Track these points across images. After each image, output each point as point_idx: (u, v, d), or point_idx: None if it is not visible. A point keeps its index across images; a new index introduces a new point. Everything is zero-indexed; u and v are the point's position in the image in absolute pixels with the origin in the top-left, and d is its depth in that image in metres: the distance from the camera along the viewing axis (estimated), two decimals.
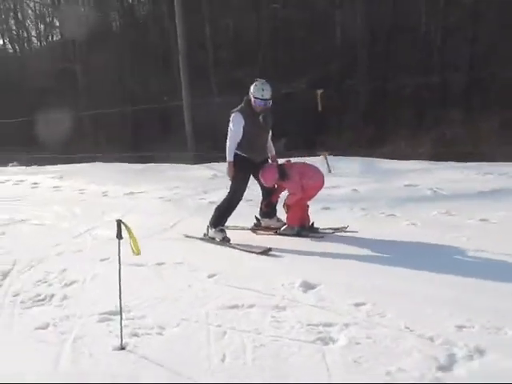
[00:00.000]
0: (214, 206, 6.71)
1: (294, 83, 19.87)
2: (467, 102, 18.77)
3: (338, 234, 6.57)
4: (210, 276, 4.97)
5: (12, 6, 34.03)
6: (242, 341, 3.56)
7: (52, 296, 4.67)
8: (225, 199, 6.53)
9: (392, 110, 19.12)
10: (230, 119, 6.30)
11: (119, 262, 3.66)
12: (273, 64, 22.77)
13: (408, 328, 3.61)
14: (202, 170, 13.50)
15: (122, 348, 3.54)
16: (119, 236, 3.57)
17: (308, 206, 6.68)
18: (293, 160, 6.93)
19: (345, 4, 21.44)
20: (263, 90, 6.12)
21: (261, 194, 6.89)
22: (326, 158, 11.38)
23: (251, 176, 6.53)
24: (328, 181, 10.32)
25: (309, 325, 3.74)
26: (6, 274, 5.43)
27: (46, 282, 5.11)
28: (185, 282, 4.85)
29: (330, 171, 10.86)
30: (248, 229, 6.99)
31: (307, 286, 4.49)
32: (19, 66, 30.87)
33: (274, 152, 6.83)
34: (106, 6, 30.75)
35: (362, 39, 20.45)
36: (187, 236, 6.82)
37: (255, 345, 3.49)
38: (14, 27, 34.93)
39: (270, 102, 6.21)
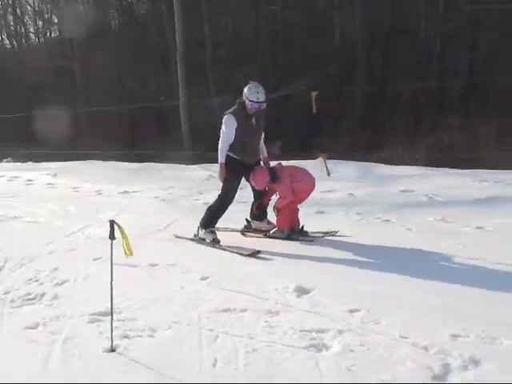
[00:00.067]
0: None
1: (293, 85, 19.83)
2: (465, 107, 18.74)
3: (332, 238, 6.54)
4: (203, 278, 4.92)
5: (11, 1, 33.91)
6: (235, 345, 3.51)
7: (43, 295, 4.62)
8: (216, 200, 6.53)
9: (389, 115, 19.07)
10: (223, 121, 6.29)
11: (111, 263, 3.61)
12: (271, 65, 22.74)
13: (402, 336, 3.56)
14: (198, 170, 13.46)
15: (113, 350, 3.49)
16: (112, 237, 3.52)
17: (298, 210, 6.65)
18: (286, 163, 6.90)
19: (344, 6, 21.41)
20: (258, 92, 6.11)
21: (252, 196, 6.88)
22: (324, 161, 11.34)
23: (243, 178, 6.52)
24: (324, 184, 10.39)
25: (302, 330, 3.69)
26: None
27: (37, 280, 5.07)
28: (177, 283, 4.80)
29: (328, 174, 10.81)
30: (238, 231, 6.97)
31: (301, 291, 4.45)
32: (17, 62, 30.74)
33: (266, 154, 6.82)
34: (105, 4, 30.65)
35: (360, 42, 20.41)
36: (177, 236, 6.80)
37: (247, 350, 3.44)
38: (12, 23, 34.79)
39: (265, 104, 6.19)
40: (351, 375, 3.12)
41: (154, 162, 15.89)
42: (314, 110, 12.52)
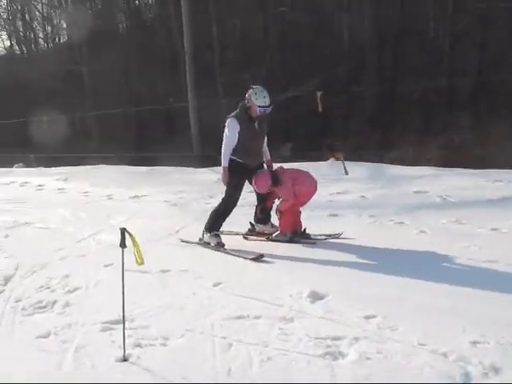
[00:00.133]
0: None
1: (302, 86, 19.76)
2: (475, 106, 18.62)
3: (343, 241, 6.46)
4: (216, 284, 4.86)
5: (19, 7, 34.08)
6: (249, 354, 3.45)
7: (54, 303, 4.57)
8: (220, 204, 6.52)
9: (399, 115, 18.98)
10: (226, 125, 6.27)
11: (123, 272, 3.56)
12: (280, 67, 22.69)
13: (420, 343, 3.48)
14: (208, 173, 13.40)
15: (125, 359, 3.43)
16: (123, 245, 3.47)
17: (300, 212, 6.61)
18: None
19: (352, 7, 21.32)
20: (264, 97, 6.10)
21: (255, 200, 6.87)
22: (342, 160, 11.24)
23: (246, 181, 6.51)
24: (336, 186, 10.37)
25: (317, 338, 3.62)
26: (8, 279, 5.35)
27: (48, 287, 5.02)
28: (189, 290, 4.74)
29: (346, 173, 10.70)
30: (242, 234, 6.94)
31: (315, 297, 4.37)
32: (26, 68, 30.85)
33: (269, 157, 6.81)
34: (113, 8, 30.74)
35: (369, 43, 20.32)
36: (183, 241, 6.79)
37: (262, 358, 3.38)
38: (21, 28, 34.97)
39: (270, 107, 6.17)
40: None
41: (163, 164, 15.88)
42: (320, 110, 12.54)
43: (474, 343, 3.47)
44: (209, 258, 6.00)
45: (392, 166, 12.29)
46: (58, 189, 13.14)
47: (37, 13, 34.18)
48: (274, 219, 6.74)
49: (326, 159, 12.28)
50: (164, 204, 9.94)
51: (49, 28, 34.99)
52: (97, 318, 4.14)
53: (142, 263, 3.43)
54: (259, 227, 6.87)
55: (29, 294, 4.82)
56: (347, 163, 12.10)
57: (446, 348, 3.40)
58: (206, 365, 3.34)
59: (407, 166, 12.10)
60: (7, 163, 19.70)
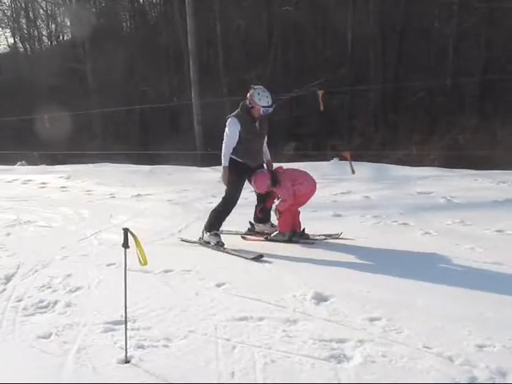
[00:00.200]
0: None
1: (306, 86, 19.71)
2: (480, 106, 18.56)
3: (347, 242, 6.41)
4: (219, 285, 4.81)
5: (23, 5, 34.09)
6: (252, 356, 3.40)
7: (56, 303, 4.52)
8: (220, 203, 6.52)
9: (404, 115, 18.93)
10: (226, 124, 6.27)
11: (125, 273, 3.52)
12: (284, 66, 22.65)
13: (426, 346, 3.44)
14: (211, 172, 13.38)
15: (127, 361, 3.39)
16: (125, 245, 3.43)
17: (299, 212, 6.60)
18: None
19: (357, 7, 21.24)
20: (267, 97, 6.12)
21: (255, 200, 6.87)
22: (349, 160, 11.18)
23: (246, 181, 6.52)
24: (339, 186, 10.33)
25: (321, 340, 3.57)
26: (9, 278, 5.31)
27: (50, 287, 4.98)
28: (192, 290, 4.69)
29: (353, 173, 10.65)
30: (242, 234, 6.95)
31: (319, 298, 4.32)
32: (30, 65, 30.88)
33: (269, 157, 6.81)
34: (117, 7, 30.74)
35: (373, 42, 20.26)
36: (183, 240, 6.77)
37: (266, 361, 3.33)
38: (25, 26, 34.97)
39: (273, 107, 6.19)
40: None
41: (166, 162, 15.89)
42: (322, 108, 12.54)
43: (480, 347, 3.42)
44: (212, 258, 5.96)
45: (396, 166, 12.26)
46: (61, 187, 13.13)
47: (41, 10, 34.28)
48: (274, 219, 6.72)
49: (330, 158, 12.22)
50: (167, 203, 9.92)
51: (53, 26, 35.10)
52: (98, 318, 4.10)
53: (145, 264, 3.39)
54: (259, 227, 6.88)
55: (30, 294, 4.78)
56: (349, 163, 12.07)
57: (452, 351, 3.35)
58: (210, 367, 3.29)
59: (411, 166, 12.06)
60: (10, 161, 19.69)
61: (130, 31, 31.00)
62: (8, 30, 36.29)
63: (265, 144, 6.67)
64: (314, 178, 6.59)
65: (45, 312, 4.36)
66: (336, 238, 6.54)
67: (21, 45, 35.59)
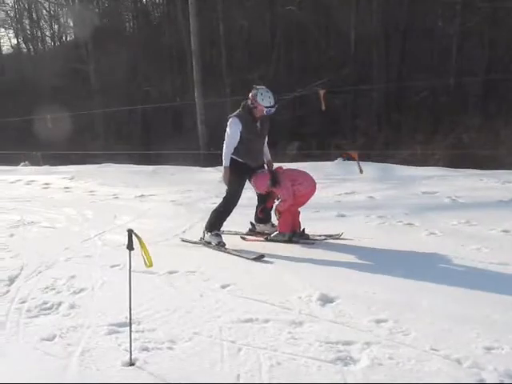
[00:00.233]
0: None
1: (309, 85, 19.68)
2: (484, 106, 18.50)
3: (351, 243, 6.37)
4: (223, 286, 4.78)
5: (27, 5, 34.13)
6: (258, 358, 3.37)
7: (59, 304, 4.49)
8: (221, 204, 6.53)
9: (407, 114, 18.88)
10: (227, 124, 6.26)
11: (129, 275, 3.48)
12: (287, 66, 22.62)
13: (433, 348, 3.40)
14: (214, 173, 13.34)
15: (132, 364, 3.36)
16: (130, 247, 3.40)
17: (299, 212, 6.59)
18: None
19: (360, 6, 21.20)
20: (269, 97, 6.12)
21: (256, 200, 6.88)
22: (357, 159, 11.11)
23: (247, 181, 6.52)
24: (343, 187, 10.30)
25: (328, 342, 3.54)
26: (13, 280, 5.28)
27: (53, 288, 4.94)
28: (197, 292, 4.66)
29: (361, 172, 10.60)
30: (243, 234, 6.94)
31: (325, 300, 4.29)
32: (33, 66, 30.89)
33: (270, 157, 6.80)
34: (120, 7, 30.75)
35: (376, 41, 20.21)
36: (184, 240, 6.77)
37: (271, 363, 3.30)
38: (28, 27, 35.02)
39: (275, 107, 6.20)
40: None
41: (169, 162, 15.88)
42: (323, 108, 12.55)
43: (488, 349, 3.39)
44: (216, 259, 5.92)
45: (400, 166, 12.21)
46: (64, 187, 13.11)
47: (44, 11, 34.32)
48: (275, 219, 6.72)
49: (334, 158, 12.19)
50: (170, 204, 9.89)
51: (56, 26, 35.15)
52: (103, 320, 4.07)
53: (150, 266, 3.36)
54: (260, 227, 6.89)
55: (34, 295, 4.75)
56: (355, 163, 12.00)
57: (460, 354, 3.31)
58: (215, 370, 3.26)
59: (415, 166, 12.01)
60: (13, 161, 19.70)
61: (132, 31, 31.01)
62: (11, 31, 36.48)
63: (265, 144, 6.67)
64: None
65: (49, 314, 4.33)
66: (337, 239, 6.53)
67: (24, 45, 35.75)
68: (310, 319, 3.95)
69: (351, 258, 5.65)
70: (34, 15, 34.38)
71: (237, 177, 6.30)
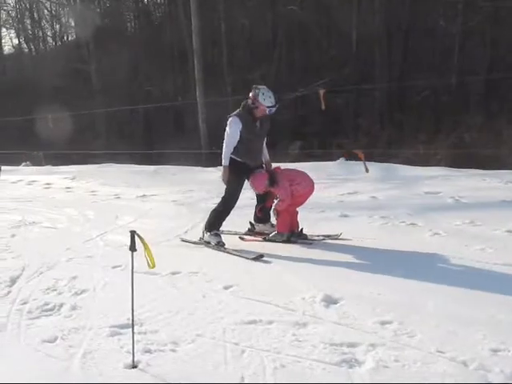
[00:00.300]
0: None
1: (311, 85, 19.65)
2: (485, 105, 18.47)
3: (354, 243, 6.34)
4: (226, 287, 4.74)
5: (28, 5, 34.11)
6: (262, 361, 3.33)
7: (61, 305, 4.45)
8: (220, 203, 6.52)
9: (409, 114, 18.85)
10: (227, 123, 6.26)
11: (132, 276, 3.44)
12: (288, 65, 22.59)
13: (439, 351, 3.36)
14: (215, 172, 13.29)
15: (134, 366, 3.32)
16: (133, 248, 3.36)
17: (297, 212, 6.58)
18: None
19: (362, 5, 21.17)
20: (270, 97, 6.13)
21: (255, 200, 6.88)
22: (363, 159, 11.06)
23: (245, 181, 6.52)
24: (345, 187, 10.26)
25: (332, 344, 3.50)
26: (14, 280, 5.23)
27: (55, 289, 4.90)
28: (200, 293, 4.62)
29: (367, 171, 10.55)
30: (242, 234, 6.94)
31: (329, 301, 4.25)
32: (34, 66, 30.88)
33: (268, 157, 6.79)
34: (122, 7, 30.73)
35: (378, 40, 20.17)
36: (184, 240, 6.75)
37: (275, 366, 3.25)
38: (29, 27, 35.01)
39: (277, 106, 6.22)
40: None
41: (171, 162, 15.87)
42: (323, 107, 12.54)
43: (495, 351, 3.35)
44: (218, 259, 5.89)
45: (402, 166, 12.19)
46: (66, 187, 13.09)
47: (45, 11, 34.31)
48: (274, 219, 6.69)
49: (336, 158, 12.16)
50: (172, 204, 9.87)
51: (57, 26, 35.12)
52: (105, 321, 4.03)
53: (153, 266, 3.32)
54: (259, 227, 6.88)
55: (35, 296, 4.71)
56: (357, 163, 11.98)
57: (466, 356, 3.28)
58: (218, 372, 3.22)
59: (418, 165, 11.98)
60: (15, 161, 19.67)
61: (134, 31, 31.00)
62: (13, 31, 36.45)
63: (264, 144, 6.66)
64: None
65: (50, 315, 4.29)
66: (335, 239, 6.51)
67: (25, 45, 35.73)
68: (314, 320, 3.91)
69: (355, 259, 5.62)
70: (36, 15, 34.39)
71: (236, 176, 6.30)
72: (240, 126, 6.16)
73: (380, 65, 20.26)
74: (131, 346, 3.40)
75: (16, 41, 36.73)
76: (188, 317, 4.09)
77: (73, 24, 33.29)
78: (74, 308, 4.39)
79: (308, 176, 6.49)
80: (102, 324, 3.99)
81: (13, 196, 11.64)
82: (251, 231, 6.93)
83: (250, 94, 6.20)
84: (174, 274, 5.23)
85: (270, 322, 3.90)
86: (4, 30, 36.50)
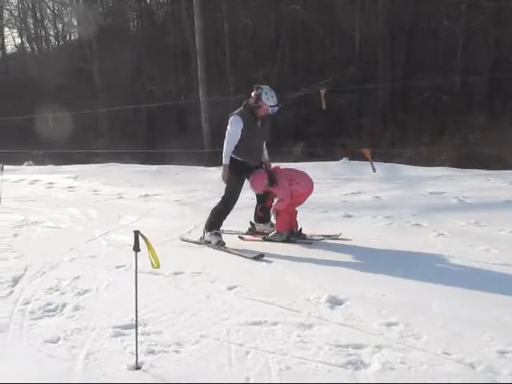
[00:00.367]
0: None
1: (314, 85, 19.61)
2: (489, 105, 18.41)
3: (358, 243, 6.31)
4: (230, 288, 4.71)
5: (30, 5, 34.09)
6: (267, 362, 3.29)
7: (64, 306, 4.42)
8: (220, 202, 6.53)
9: (412, 114, 18.79)
10: (229, 122, 6.27)
11: (136, 277, 3.40)
12: (292, 65, 22.54)
13: (446, 352, 3.32)
14: (218, 172, 13.23)
15: (138, 367, 3.28)
16: (136, 248, 3.32)
17: (297, 212, 6.59)
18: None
19: (365, 5, 21.12)
20: (273, 97, 6.16)
21: (255, 200, 6.90)
22: (369, 158, 10.98)
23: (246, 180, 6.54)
24: (348, 186, 10.23)
25: (338, 346, 3.46)
26: (16, 280, 5.22)
27: (58, 289, 4.87)
28: (203, 293, 4.59)
29: (374, 171, 10.48)
30: (243, 234, 6.94)
31: (334, 302, 4.21)
32: (37, 65, 30.86)
33: (267, 157, 6.81)
34: (124, 6, 30.71)
35: (381, 41, 20.13)
36: (184, 240, 6.75)
37: (281, 367, 3.22)
38: (32, 26, 34.98)
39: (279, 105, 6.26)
40: None
41: (174, 161, 15.85)
42: (324, 107, 12.53)
43: (502, 353, 3.32)
44: (222, 259, 5.86)
45: (406, 166, 12.14)
46: (68, 187, 13.08)
47: (48, 10, 34.27)
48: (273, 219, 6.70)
49: (339, 158, 12.12)
50: (175, 203, 9.85)
51: (60, 26, 35.09)
52: (108, 322, 4.00)
53: (158, 267, 3.29)
54: (259, 226, 6.89)
55: (38, 296, 4.68)
56: (361, 163, 11.97)
57: (473, 358, 3.24)
58: (223, 374, 3.19)
59: (422, 166, 11.94)
60: (17, 161, 19.66)
61: (137, 31, 30.96)
62: (15, 31, 36.39)
63: (264, 144, 6.68)
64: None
65: (53, 315, 4.26)
66: (335, 239, 6.50)
67: (28, 45, 35.66)
68: (320, 322, 3.87)
69: (359, 259, 5.59)
70: (38, 14, 34.33)
71: (236, 175, 6.32)
72: (241, 124, 6.17)
73: (383, 65, 20.20)
74: (135, 347, 3.36)
75: (19, 40, 36.71)
76: (192, 317, 4.05)
77: (75, 23, 33.30)
78: (76, 308, 4.37)
79: (307, 175, 6.50)
80: (104, 325, 3.96)
81: (15, 195, 11.60)
82: (252, 231, 6.93)
83: (252, 94, 6.21)
84: (177, 274, 5.20)
85: (275, 323, 3.86)
86: (7, 29, 36.46)
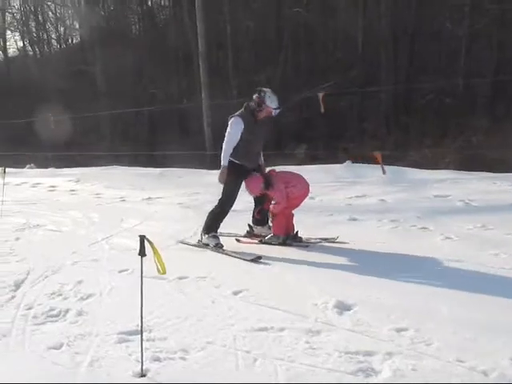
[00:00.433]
0: (236, 214, 6.63)
1: (316, 88, 19.58)
2: (492, 108, 18.37)
3: (364, 247, 6.21)
4: (236, 293, 4.62)
5: (32, 8, 34.13)
6: (275, 369, 3.21)
7: (67, 311, 4.34)
8: (217, 205, 6.51)
9: (415, 117, 18.75)
10: (229, 123, 6.27)
11: (141, 282, 3.33)
12: (294, 68, 22.51)
13: (458, 359, 3.24)
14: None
15: (143, 375, 3.20)
16: (142, 253, 3.25)
17: (293, 215, 6.56)
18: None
19: (368, 8, 21.09)
20: (275, 100, 6.18)
21: (253, 203, 6.88)
22: (380, 161, 10.86)
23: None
24: (353, 190, 10.16)
25: (347, 353, 3.38)
26: (18, 285, 5.13)
27: (60, 294, 4.79)
28: (209, 298, 4.51)
29: (384, 173, 10.38)
30: (241, 236, 6.93)
31: (342, 307, 4.13)
32: (39, 68, 30.86)
33: (263, 161, 6.80)
34: (126, 10, 30.72)
35: (385, 45, 20.09)
36: (182, 242, 6.72)
37: (289, 375, 3.14)
38: (34, 29, 35.00)
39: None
40: None
41: (176, 164, 15.79)
42: (322, 110, 12.47)
43: None
44: (225, 263, 5.79)
45: (410, 169, 12.06)
46: (70, 190, 13.02)
47: (50, 13, 34.28)
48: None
49: (343, 161, 12.06)
50: (178, 206, 9.78)
51: (62, 29, 35.13)
52: (112, 328, 3.92)
53: (164, 273, 3.22)
54: (257, 229, 6.88)
55: (40, 301, 4.60)
56: (364, 165, 11.90)
57: (486, 365, 3.16)
58: (229, 381, 3.11)
59: (426, 169, 11.87)
60: (19, 163, 19.62)
61: (138, 34, 30.97)
62: (17, 34, 36.43)
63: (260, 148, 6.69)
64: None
65: (56, 321, 4.18)
66: (332, 242, 6.46)
67: (30, 48, 35.67)
68: (328, 328, 3.79)
69: (366, 263, 5.51)
70: (40, 17, 34.37)
71: (233, 178, 6.30)
72: (242, 126, 6.16)
73: (386, 68, 20.15)
74: (140, 354, 3.29)
75: (21, 43, 36.78)
76: (197, 323, 3.97)
77: (77, 26, 33.32)
78: (80, 313, 4.29)
79: (303, 178, 6.47)
80: (109, 330, 3.88)
81: (17, 198, 11.53)
82: (250, 233, 6.92)
83: (254, 96, 6.21)
84: (181, 278, 5.11)
85: (282, 329, 3.78)
86: (9, 32, 36.50)
